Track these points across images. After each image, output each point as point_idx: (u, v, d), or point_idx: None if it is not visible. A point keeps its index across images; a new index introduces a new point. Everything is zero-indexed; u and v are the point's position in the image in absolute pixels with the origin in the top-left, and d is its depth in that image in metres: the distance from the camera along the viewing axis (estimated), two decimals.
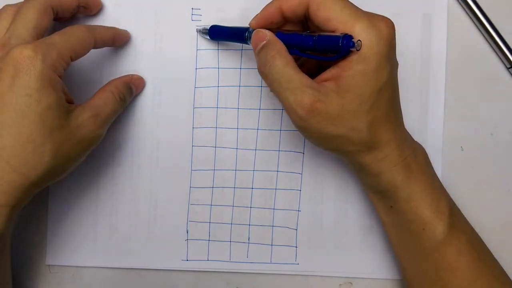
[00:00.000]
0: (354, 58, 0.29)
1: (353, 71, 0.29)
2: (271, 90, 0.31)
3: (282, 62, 0.30)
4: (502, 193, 0.39)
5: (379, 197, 0.34)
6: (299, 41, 0.30)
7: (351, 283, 0.39)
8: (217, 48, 0.39)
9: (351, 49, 0.28)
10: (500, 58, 0.39)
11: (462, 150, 0.39)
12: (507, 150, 0.39)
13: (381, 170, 0.31)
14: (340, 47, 0.28)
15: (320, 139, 0.31)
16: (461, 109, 0.39)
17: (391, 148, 0.31)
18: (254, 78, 0.39)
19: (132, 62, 0.39)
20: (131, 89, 0.37)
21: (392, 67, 0.30)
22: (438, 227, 0.32)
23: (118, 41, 0.38)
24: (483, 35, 0.39)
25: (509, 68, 0.39)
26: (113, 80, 0.37)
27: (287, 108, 0.30)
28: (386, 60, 0.29)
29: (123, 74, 0.38)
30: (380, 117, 0.30)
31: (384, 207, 0.34)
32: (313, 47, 0.29)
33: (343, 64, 0.29)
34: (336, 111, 0.29)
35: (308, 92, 0.29)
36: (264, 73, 0.31)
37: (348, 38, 0.28)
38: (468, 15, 0.39)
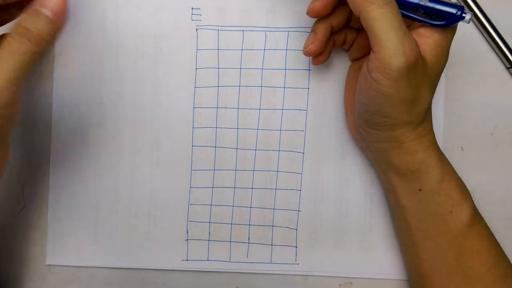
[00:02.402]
0: (446, 31, 0.30)
1: (440, 43, 0.30)
2: (373, 25, 0.28)
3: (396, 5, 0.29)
4: (502, 193, 0.39)
5: (407, 179, 0.33)
6: None
7: (351, 283, 0.39)
8: (217, 48, 0.39)
9: (462, 21, 0.30)
10: (500, 58, 0.39)
11: (462, 150, 0.39)
12: (507, 150, 0.39)
13: (419, 148, 0.32)
14: (454, 15, 0.29)
15: (396, 99, 0.30)
16: (461, 109, 0.39)
17: (430, 128, 0.33)
18: (254, 78, 0.39)
19: (132, 62, 0.39)
20: (46, 18, 0.27)
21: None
22: (465, 209, 0.32)
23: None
24: (483, 35, 0.39)
25: (509, 68, 0.39)
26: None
27: (392, 49, 0.28)
28: (449, 49, 0.32)
29: (125, 73, 0.38)
30: (432, 96, 0.32)
31: (410, 191, 0.33)
32: (424, 7, 0.30)
33: (428, 33, 0.31)
34: (421, 76, 0.30)
35: (415, 44, 0.29)
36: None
37: (462, 9, 0.29)
38: None
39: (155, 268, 0.39)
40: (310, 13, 0.32)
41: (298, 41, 0.38)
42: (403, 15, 0.30)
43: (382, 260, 0.39)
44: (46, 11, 0.27)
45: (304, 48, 0.34)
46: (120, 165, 0.39)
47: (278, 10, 0.38)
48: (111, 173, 0.39)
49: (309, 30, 0.38)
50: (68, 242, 0.39)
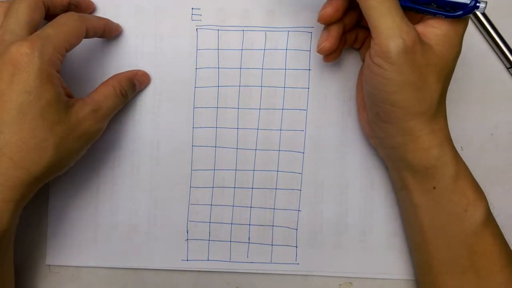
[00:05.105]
0: (457, 22, 0.30)
1: (449, 33, 0.31)
2: (370, 13, 0.30)
3: None
4: (502, 193, 0.39)
5: (421, 177, 0.33)
6: None
7: (351, 283, 0.39)
8: (217, 48, 0.39)
9: (476, 10, 0.30)
10: (500, 58, 0.39)
11: (462, 150, 0.39)
12: (507, 150, 0.39)
13: (433, 143, 0.32)
14: (467, 6, 0.29)
15: (401, 84, 0.30)
16: (461, 109, 0.39)
17: (445, 123, 0.33)
18: (254, 78, 0.39)
19: (133, 62, 0.39)
20: (134, 85, 0.38)
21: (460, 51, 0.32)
22: (479, 208, 0.32)
23: (109, 32, 0.37)
24: (483, 35, 0.39)
25: (509, 68, 0.39)
26: (116, 74, 0.37)
27: (388, 33, 0.29)
28: (461, 40, 0.32)
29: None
30: (444, 90, 0.32)
31: (424, 189, 0.33)
32: (437, 0, 0.30)
33: (437, 23, 0.31)
34: (424, 61, 0.30)
35: (413, 28, 0.30)
36: None
37: None
38: None
39: (155, 268, 0.39)
40: (321, 20, 0.33)
41: (298, 41, 0.38)
42: (416, 9, 0.31)
43: (382, 260, 0.39)
44: (136, 82, 0.38)
45: (318, 45, 0.34)
46: (120, 165, 0.39)
47: (278, 10, 0.38)
48: (111, 173, 0.39)
49: (309, 30, 0.38)
50: (68, 242, 0.39)
